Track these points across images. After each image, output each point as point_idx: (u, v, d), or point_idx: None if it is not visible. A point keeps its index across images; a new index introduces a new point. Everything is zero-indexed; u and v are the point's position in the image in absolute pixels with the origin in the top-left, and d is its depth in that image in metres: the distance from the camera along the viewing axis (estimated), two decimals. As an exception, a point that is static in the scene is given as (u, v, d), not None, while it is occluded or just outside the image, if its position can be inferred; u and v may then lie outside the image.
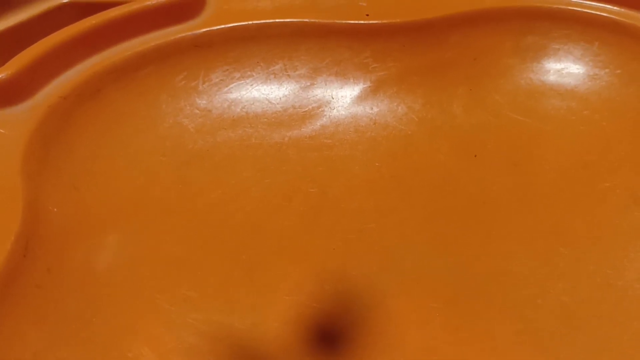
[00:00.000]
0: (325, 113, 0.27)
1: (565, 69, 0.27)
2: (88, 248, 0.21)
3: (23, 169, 0.20)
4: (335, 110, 0.27)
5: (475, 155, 0.25)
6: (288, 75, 0.27)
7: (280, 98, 0.27)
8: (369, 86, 0.27)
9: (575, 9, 0.27)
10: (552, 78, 0.27)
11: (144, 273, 0.21)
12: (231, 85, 0.27)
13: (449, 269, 0.21)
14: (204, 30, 0.27)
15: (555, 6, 0.27)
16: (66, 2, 0.29)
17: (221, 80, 0.27)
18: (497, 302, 0.20)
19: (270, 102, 0.27)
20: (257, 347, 0.19)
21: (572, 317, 0.19)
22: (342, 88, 0.27)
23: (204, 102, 0.26)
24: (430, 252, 0.22)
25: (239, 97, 0.27)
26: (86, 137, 0.24)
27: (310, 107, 0.27)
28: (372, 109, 0.27)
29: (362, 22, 0.27)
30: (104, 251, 0.21)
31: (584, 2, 0.27)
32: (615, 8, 0.26)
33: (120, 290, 0.20)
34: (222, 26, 0.27)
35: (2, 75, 0.23)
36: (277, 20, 0.27)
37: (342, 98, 0.27)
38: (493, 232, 0.22)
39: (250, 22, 0.27)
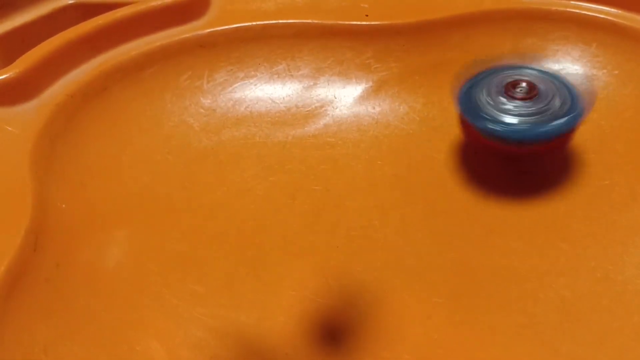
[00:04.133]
0: (328, 112, 0.27)
1: (564, 69, 0.27)
2: (96, 244, 0.21)
3: (32, 166, 0.20)
4: (337, 110, 0.27)
5: (476, 154, 0.25)
6: (291, 75, 0.28)
7: (283, 97, 0.27)
8: (371, 86, 0.28)
9: (573, 10, 0.27)
10: (551, 78, 0.27)
11: (151, 268, 0.21)
12: (235, 85, 0.27)
13: (450, 264, 0.21)
14: (208, 30, 0.27)
15: (553, 8, 0.28)
16: (71, 3, 0.30)
17: (225, 79, 0.27)
18: (499, 296, 0.20)
19: (273, 102, 0.27)
20: (263, 341, 0.19)
21: (573, 311, 0.19)
22: (344, 88, 0.27)
23: (209, 101, 0.27)
24: (432, 248, 0.22)
25: (243, 97, 0.27)
26: (92, 135, 0.24)
27: (313, 106, 0.27)
28: (374, 108, 0.27)
29: (364, 23, 0.27)
30: (111, 247, 0.21)
31: (582, 3, 0.27)
32: (612, 10, 0.27)
33: (128, 285, 0.20)
34: (226, 27, 0.27)
35: (10, 74, 0.23)
36: (280, 21, 0.28)
37: (345, 98, 0.27)
38: (494, 228, 0.22)
39: (253, 23, 0.27)
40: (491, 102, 0.22)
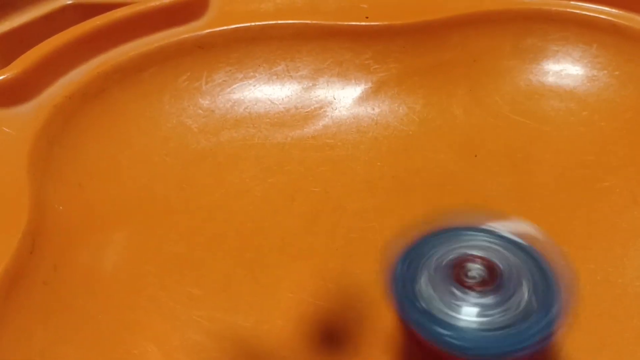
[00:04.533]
0: (327, 113, 0.27)
1: (564, 70, 0.27)
2: (93, 246, 0.21)
3: (29, 167, 0.20)
4: (337, 111, 0.27)
5: (476, 156, 0.25)
6: (290, 76, 0.28)
7: (282, 99, 0.27)
8: (370, 87, 0.27)
9: (573, 11, 0.27)
10: (551, 79, 0.27)
11: (149, 270, 0.21)
12: (234, 86, 0.27)
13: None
14: (207, 31, 0.27)
15: (553, 8, 0.27)
16: (70, 4, 0.30)
17: (224, 80, 0.27)
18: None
19: (272, 103, 0.27)
20: (261, 344, 0.19)
21: (572, 314, 0.19)
22: (343, 89, 0.27)
23: (207, 102, 0.27)
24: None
25: (242, 98, 0.27)
26: (91, 137, 0.24)
27: (312, 107, 0.27)
28: (373, 109, 0.27)
29: (363, 23, 0.27)
30: (109, 249, 0.21)
31: (582, 4, 0.27)
32: (613, 10, 0.27)
33: (126, 288, 0.20)
34: (225, 27, 0.27)
35: (8, 75, 0.23)
36: (279, 21, 0.27)
37: (344, 99, 0.27)
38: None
39: (252, 24, 0.27)
40: (436, 295, 0.16)
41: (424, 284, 0.16)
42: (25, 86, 0.23)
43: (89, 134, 0.24)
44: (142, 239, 0.22)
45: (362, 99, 0.27)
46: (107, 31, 0.26)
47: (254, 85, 0.27)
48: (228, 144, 0.26)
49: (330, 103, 0.27)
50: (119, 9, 0.27)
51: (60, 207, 0.20)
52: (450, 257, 0.16)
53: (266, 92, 0.27)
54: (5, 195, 0.19)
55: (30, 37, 0.28)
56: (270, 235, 0.23)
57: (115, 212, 0.22)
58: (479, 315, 0.15)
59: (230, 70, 0.27)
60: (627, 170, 0.23)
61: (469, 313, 0.15)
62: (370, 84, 0.27)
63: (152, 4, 0.27)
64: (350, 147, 0.26)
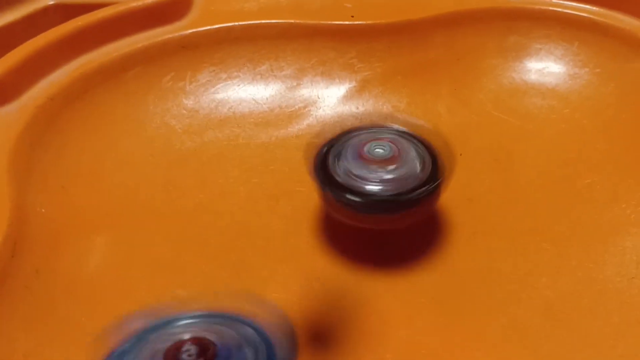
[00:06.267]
0: (311, 113, 0.27)
1: (546, 68, 0.28)
2: (77, 249, 0.21)
3: (10, 169, 0.20)
4: (321, 110, 0.27)
5: (460, 154, 0.25)
6: (274, 75, 0.28)
7: (266, 98, 0.27)
8: (355, 86, 0.27)
9: (555, 9, 0.27)
10: (533, 77, 0.28)
11: (133, 273, 0.21)
12: (218, 86, 0.27)
13: (435, 266, 0.21)
14: (191, 31, 0.27)
15: (536, 7, 0.28)
16: (51, 4, 0.29)
17: (208, 80, 0.27)
18: (482, 297, 0.20)
19: (257, 102, 0.27)
20: (246, 345, 0.19)
21: (555, 311, 0.19)
22: (327, 88, 0.27)
23: (191, 102, 0.27)
24: (416, 250, 0.22)
25: (226, 98, 0.27)
26: (74, 138, 0.24)
27: (296, 107, 0.27)
28: (357, 108, 0.27)
29: (347, 22, 0.27)
30: (92, 252, 0.21)
31: (564, 2, 0.28)
32: (594, 8, 0.27)
33: (109, 291, 0.20)
34: (209, 27, 0.27)
35: (-12, 76, 0.23)
36: (263, 21, 0.27)
37: (328, 98, 0.27)
38: (477, 229, 0.22)
39: (236, 23, 0.27)
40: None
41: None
42: (6, 87, 0.23)
43: (72, 135, 0.24)
44: (126, 242, 0.22)
45: (346, 98, 0.27)
46: (90, 32, 0.26)
47: (238, 85, 0.27)
48: (212, 144, 0.26)
49: (315, 102, 0.27)
50: (101, 9, 0.26)
51: (43, 210, 0.20)
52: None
53: (250, 91, 0.27)
54: (-14, 199, 0.19)
55: (11, 38, 0.28)
56: (254, 236, 0.23)
57: (99, 215, 0.22)
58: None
59: (214, 70, 0.27)
60: (607, 167, 0.24)
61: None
62: (354, 83, 0.28)
63: (135, 4, 0.27)
64: (334, 147, 0.26)
